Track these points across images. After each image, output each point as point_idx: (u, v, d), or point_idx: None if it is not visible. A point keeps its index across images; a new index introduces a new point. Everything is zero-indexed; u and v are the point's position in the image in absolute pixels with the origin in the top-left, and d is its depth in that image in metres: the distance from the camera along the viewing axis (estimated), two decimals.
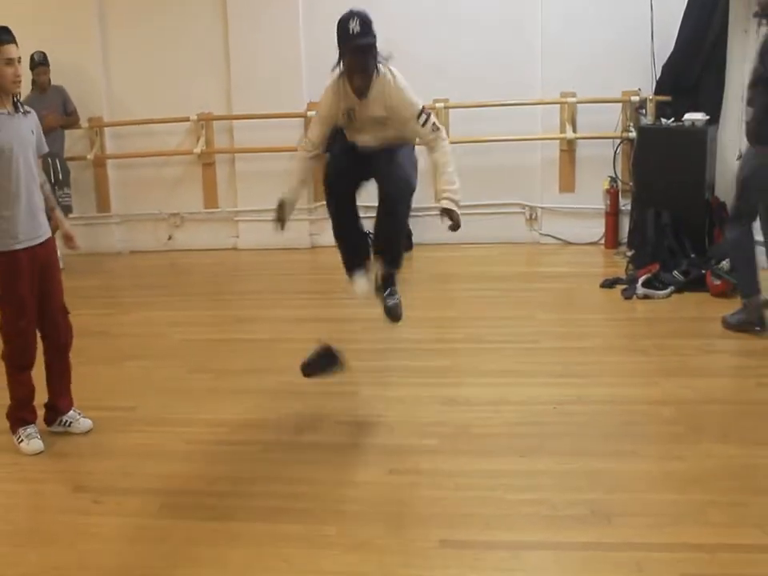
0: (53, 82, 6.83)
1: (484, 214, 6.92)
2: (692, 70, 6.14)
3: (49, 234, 3.61)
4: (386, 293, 3.82)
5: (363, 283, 3.81)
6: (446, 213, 3.54)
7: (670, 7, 6.18)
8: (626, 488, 3.06)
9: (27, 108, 3.57)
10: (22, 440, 3.61)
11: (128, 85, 7.39)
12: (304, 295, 5.84)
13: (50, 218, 3.71)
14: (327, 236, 7.11)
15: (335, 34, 3.50)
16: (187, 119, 7.26)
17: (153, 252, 7.43)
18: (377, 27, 6.44)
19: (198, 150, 7.25)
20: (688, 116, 5.83)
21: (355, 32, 3.45)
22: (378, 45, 3.50)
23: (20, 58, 3.40)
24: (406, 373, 4.26)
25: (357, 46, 3.41)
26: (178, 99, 7.24)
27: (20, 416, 3.66)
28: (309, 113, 6.99)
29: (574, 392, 3.90)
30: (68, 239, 3.78)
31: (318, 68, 7.09)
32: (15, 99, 3.47)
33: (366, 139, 3.60)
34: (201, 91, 7.26)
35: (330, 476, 3.28)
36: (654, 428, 3.53)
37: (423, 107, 3.49)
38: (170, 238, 7.50)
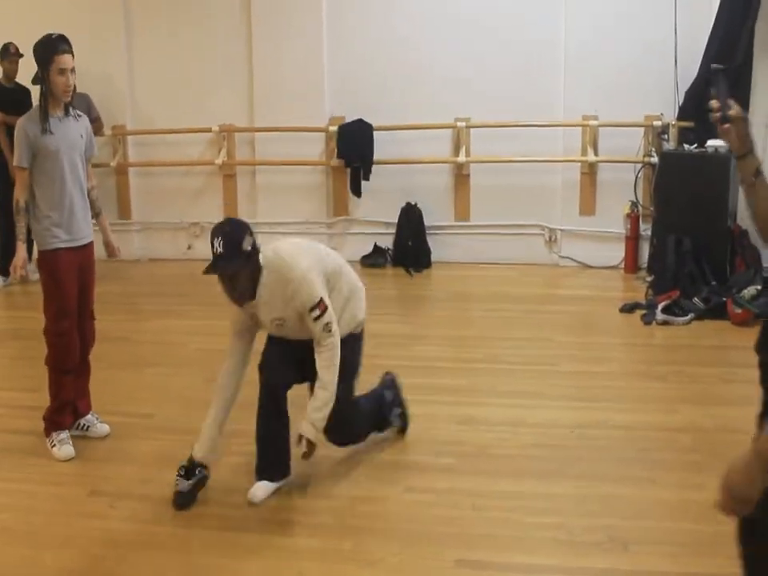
0: (78, 89, 6.88)
1: (503, 234, 6.93)
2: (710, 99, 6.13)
3: (90, 238, 3.66)
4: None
5: (259, 494, 3.22)
6: (304, 439, 3.09)
7: (694, 33, 6.19)
8: (643, 515, 3.04)
9: (79, 112, 3.64)
10: (54, 444, 3.63)
11: (152, 94, 7.47)
12: None
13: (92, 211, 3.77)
14: (345, 250, 7.23)
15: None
16: (209, 130, 7.32)
17: (172, 260, 7.47)
18: (399, 47, 6.52)
19: (219, 161, 7.31)
20: (711, 142, 5.83)
21: (218, 252, 2.98)
22: (250, 250, 3.03)
23: (74, 68, 3.45)
24: (423, 390, 4.24)
25: (219, 272, 3.03)
26: (201, 110, 7.31)
27: (57, 419, 3.67)
28: (330, 127, 7.05)
29: (592, 416, 3.88)
30: (110, 249, 3.83)
31: (342, 82, 7.28)
32: (66, 104, 3.53)
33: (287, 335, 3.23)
34: (223, 103, 7.33)
35: (346, 491, 3.28)
36: (673, 455, 3.51)
37: (321, 300, 3.06)
38: (189, 247, 7.54)
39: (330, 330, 3.10)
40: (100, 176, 7.34)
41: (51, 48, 3.41)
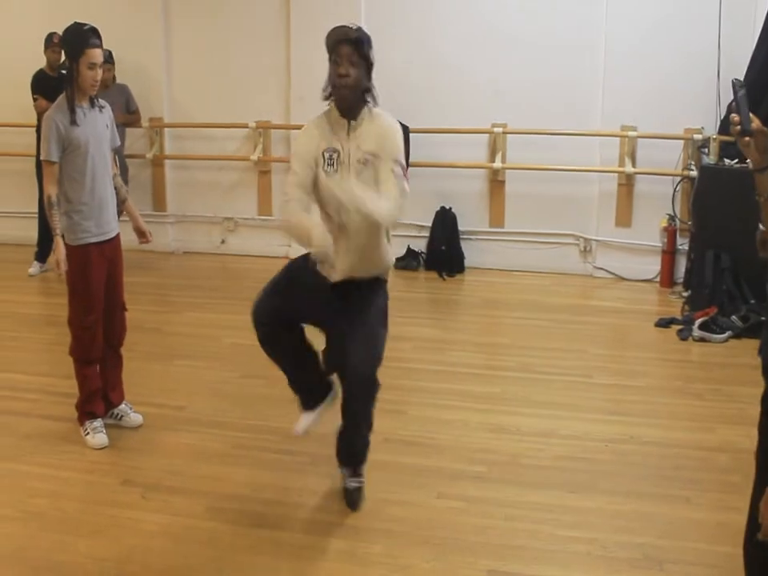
0: (117, 80, 6.95)
1: (538, 242, 6.88)
2: (758, 113, 6.04)
3: (117, 230, 3.67)
4: (350, 473, 3.23)
5: (308, 423, 3.26)
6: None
7: (738, 48, 6.10)
8: (678, 535, 3.00)
9: (102, 102, 3.62)
10: (88, 433, 3.66)
11: (189, 87, 7.48)
12: None
13: (120, 212, 3.76)
14: None
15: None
16: (246, 126, 7.32)
17: (205, 254, 7.49)
18: (437, 50, 6.51)
19: (254, 157, 7.32)
20: None
21: (349, 26, 3.02)
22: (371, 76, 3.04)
23: (102, 62, 3.45)
24: (455, 396, 4.23)
25: (348, 38, 2.97)
26: (238, 105, 7.31)
27: (88, 409, 3.70)
28: None
29: (626, 431, 3.84)
30: (141, 234, 3.83)
31: (379, 83, 7.15)
32: (91, 95, 3.53)
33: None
34: (260, 99, 7.32)
35: (377, 494, 3.26)
36: (709, 475, 3.45)
37: (405, 166, 2.98)
38: (223, 241, 7.57)
39: (403, 192, 2.90)
40: (136, 167, 7.41)
41: (83, 40, 3.37)
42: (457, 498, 3.24)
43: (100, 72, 3.43)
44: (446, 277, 6.71)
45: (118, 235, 3.68)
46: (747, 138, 1.98)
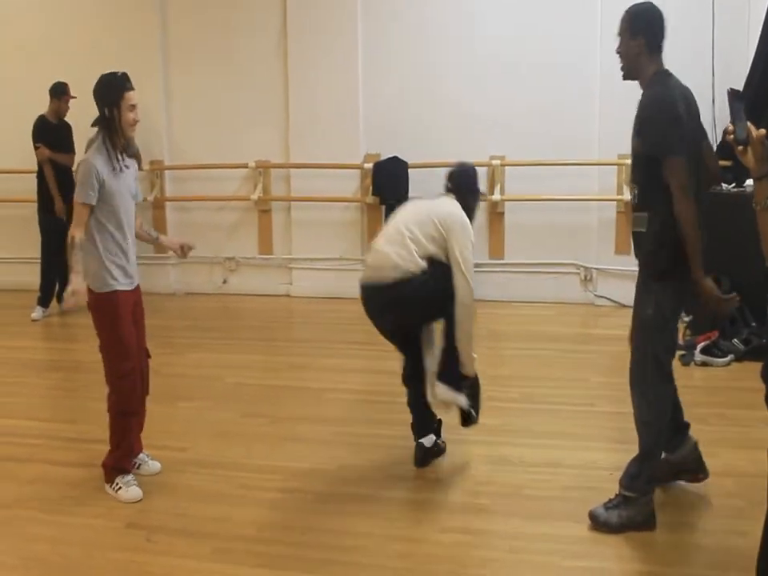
0: None
1: (538, 272, 6.91)
2: (759, 126, 6.08)
3: (138, 281, 3.65)
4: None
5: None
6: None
7: (732, 74, 6.17)
8: (686, 562, 2.98)
9: (132, 151, 3.64)
10: (120, 488, 3.55)
11: (188, 129, 7.60)
12: (357, 345, 5.84)
13: (150, 240, 3.93)
14: None
15: (471, 181, 3.93)
16: (245, 166, 7.42)
17: (207, 295, 7.54)
18: (431, 84, 6.63)
19: (255, 196, 7.39)
20: (750, 182, 5.76)
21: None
22: None
23: (138, 104, 3.52)
24: (457, 429, 4.19)
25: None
26: (237, 146, 7.42)
27: (123, 466, 3.62)
28: (365, 164, 7.11)
29: (630, 459, 3.81)
30: (185, 247, 3.90)
31: (377, 120, 7.36)
32: (125, 146, 3.53)
33: None
34: (259, 139, 7.43)
35: (380, 530, 3.25)
36: (714, 501, 3.43)
37: None
38: (224, 281, 7.61)
39: None
40: (137, 210, 7.46)
41: (121, 86, 3.47)
42: (460, 531, 3.22)
43: (138, 114, 3.52)
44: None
45: (138, 286, 3.67)
46: (742, 147, 2.01)
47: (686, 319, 6.02)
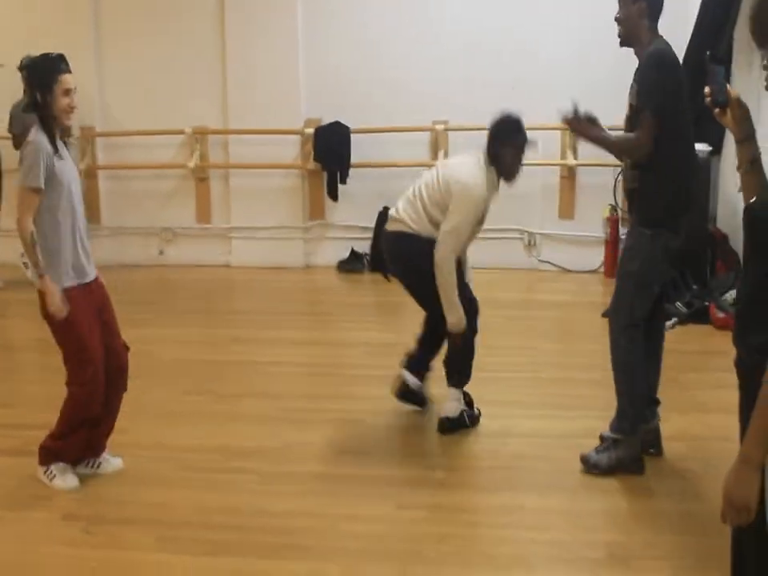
0: None
1: (482, 238, 6.77)
2: (695, 101, 6.08)
3: (95, 273, 3.35)
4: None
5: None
6: None
7: (674, 37, 6.09)
8: (643, 529, 2.95)
9: (68, 139, 3.35)
10: (54, 475, 3.32)
11: (121, 95, 7.26)
12: (300, 317, 5.72)
13: None
14: (321, 255, 7.11)
15: (501, 131, 3.75)
16: (182, 132, 7.14)
17: (143, 266, 7.26)
18: (373, 47, 6.46)
19: (191, 164, 7.13)
20: (702, 146, 5.77)
21: (521, 126, 3.73)
22: None
23: (76, 87, 3.21)
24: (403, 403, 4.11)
25: (531, 141, 3.72)
26: (173, 111, 7.13)
27: (60, 454, 3.35)
28: (306, 130, 6.90)
29: (580, 425, 3.77)
30: None
31: (318, 84, 7.14)
32: (62, 133, 3.25)
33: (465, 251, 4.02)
34: (196, 104, 7.15)
35: (333, 510, 3.15)
36: (668, 465, 3.42)
37: None
38: (161, 252, 7.35)
39: None
40: None
41: (55, 68, 3.16)
42: (417, 507, 3.13)
43: (75, 98, 3.20)
44: (390, 278, 6.58)
45: (97, 278, 3.35)
46: (719, 110, 1.98)
47: None
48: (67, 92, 3.16)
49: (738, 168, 2.03)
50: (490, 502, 3.17)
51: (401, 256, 3.84)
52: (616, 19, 3.25)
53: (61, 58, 3.21)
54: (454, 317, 3.64)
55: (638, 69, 3.24)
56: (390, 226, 3.83)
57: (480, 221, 3.77)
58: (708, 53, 2.12)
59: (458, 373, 3.83)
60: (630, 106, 3.23)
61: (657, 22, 3.21)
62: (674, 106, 3.13)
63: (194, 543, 2.93)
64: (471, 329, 3.78)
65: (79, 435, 3.34)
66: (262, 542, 2.94)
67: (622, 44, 3.29)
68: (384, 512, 3.11)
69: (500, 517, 3.06)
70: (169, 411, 4.10)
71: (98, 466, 3.48)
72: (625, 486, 3.24)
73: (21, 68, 3.22)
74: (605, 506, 3.11)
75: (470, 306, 3.80)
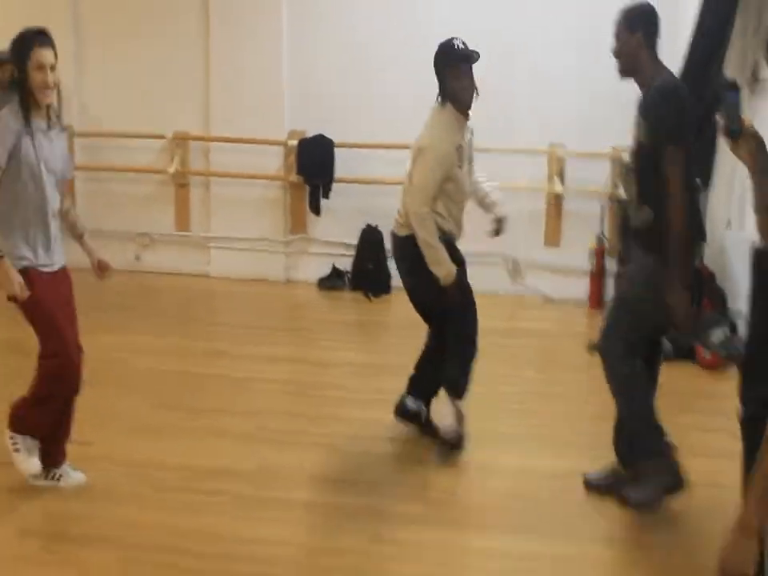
0: None
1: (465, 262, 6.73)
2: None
3: (63, 263, 3.25)
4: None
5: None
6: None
7: (669, 42, 6.09)
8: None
9: (63, 124, 3.23)
10: (18, 448, 3.15)
11: (101, 95, 7.08)
12: (280, 332, 5.56)
13: (74, 233, 3.46)
14: (302, 270, 6.97)
15: (438, 60, 3.62)
16: (162, 136, 6.98)
17: (119, 271, 7.03)
18: (360, 61, 6.32)
19: (171, 169, 6.97)
20: None
21: (460, 47, 3.58)
22: None
23: (54, 65, 3.07)
24: (389, 428, 3.98)
25: (467, 54, 3.54)
26: (154, 115, 6.96)
27: (31, 422, 3.18)
28: (290, 141, 6.78)
29: (566, 464, 3.67)
30: (103, 267, 3.47)
31: (302, 95, 7.02)
32: (50, 112, 3.13)
33: (466, 195, 3.75)
34: (178, 108, 6.99)
35: (305, 539, 3.03)
36: (659, 514, 3.30)
37: None
38: (137, 258, 7.17)
39: None
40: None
41: (29, 42, 3.03)
42: (392, 542, 3.01)
43: (52, 75, 3.06)
44: (372, 297, 6.49)
45: (65, 269, 3.26)
46: (734, 141, 1.88)
47: None
48: (41, 67, 3.02)
49: (756, 209, 1.94)
50: (467, 541, 3.06)
51: (396, 259, 3.89)
52: (613, 53, 3.17)
53: (38, 32, 3.07)
54: (442, 270, 3.55)
55: (643, 102, 3.15)
56: (393, 226, 3.81)
57: (460, 166, 3.64)
58: (725, 79, 2.02)
59: (456, 380, 3.73)
60: (639, 143, 3.12)
61: (656, 48, 3.13)
62: (687, 138, 3.06)
63: (159, 568, 2.79)
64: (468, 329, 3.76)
65: (51, 408, 3.19)
66: (232, 570, 2.81)
67: (622, 76, 3.22)
68: (357, 545, 2.98)
69: (476, 559, 2.96)
70: (140, 424, 3.94)
71: (59, 479, 3.31)
72: (609, 535, 3.14)
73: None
74: (587, 554, 2.98)
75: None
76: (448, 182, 3.58)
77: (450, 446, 3.70)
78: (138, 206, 7.17)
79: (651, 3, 3.17)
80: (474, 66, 3.65)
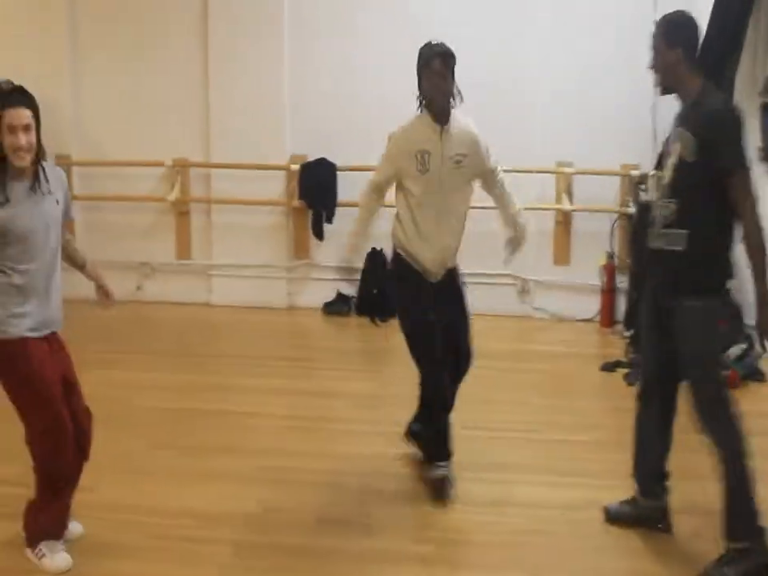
0: None
1: (473, 283, 6.55)
2: None
3: (60, 326, 3.06)
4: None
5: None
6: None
7: None
8: None
9: (51, 173, 2.97)
10: (44, 555, 2.97)
11: (100, 123, 6.99)
12: (283, 362, 5.40)
13: (75, 264, 3.37)
14: (306, 296, 6.84)
15: (417, 64, 3.54)
16: (162, 164, 6.88)
17: (120, 302, 6.91)
18: (361, 83, 6.21)
19: (172, 197, 6.86)
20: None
21: (434, 43, 3.50)
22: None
23: (29, 125, 2.80)
24: (395, 463, 3.83)
25: (437, 51, 3.45)
26: (153, 142, 6.86)
27: (49, 530, 3.02)
28: (292, 166, 6.68)
29: (582, 495, 3.52)
30: (106, 294, 3.37)
31: (304, 119, 6.92)
32: (35, 174, 2.88)
33: (434, 207, 3.56)
34: (178, 135, 6.89)
35: None
36: (676, 545, 3.14)
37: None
38: (138, 288, 7.05)
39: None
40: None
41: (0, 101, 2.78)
42: None
43: (25, 137, 2.77)
44: (378, 322, 6.34)
45: (57, 332, 3.04)
46: None
47: (627, 334, 5.82)
48: (12, 129, 2.76)
49: None
50: None
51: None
52: (651, 67, 3.03)
53: (15, 90, 2.83)
54: (347, 247, 3.76)
55: (694, 119, 2.90)
56: None
57: (420, 171, 3.51)
58: (763, 101, 1.88)
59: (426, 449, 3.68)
60: (682, 159, 2.90)
61: (695, 60, 2.96)
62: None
63: None
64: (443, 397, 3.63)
65: (62, 500, 3.01)
66: None
67: (662, 92, 3.07)
68: None
69: None
70: (137, 467, 3.79)
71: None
72: (633, 568, 2.98)
73: None
74: None
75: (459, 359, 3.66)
76: (406, 184, 3.55)
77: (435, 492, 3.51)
78: (139, 234, 7.06)
79: (689, 13, 2.99)
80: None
